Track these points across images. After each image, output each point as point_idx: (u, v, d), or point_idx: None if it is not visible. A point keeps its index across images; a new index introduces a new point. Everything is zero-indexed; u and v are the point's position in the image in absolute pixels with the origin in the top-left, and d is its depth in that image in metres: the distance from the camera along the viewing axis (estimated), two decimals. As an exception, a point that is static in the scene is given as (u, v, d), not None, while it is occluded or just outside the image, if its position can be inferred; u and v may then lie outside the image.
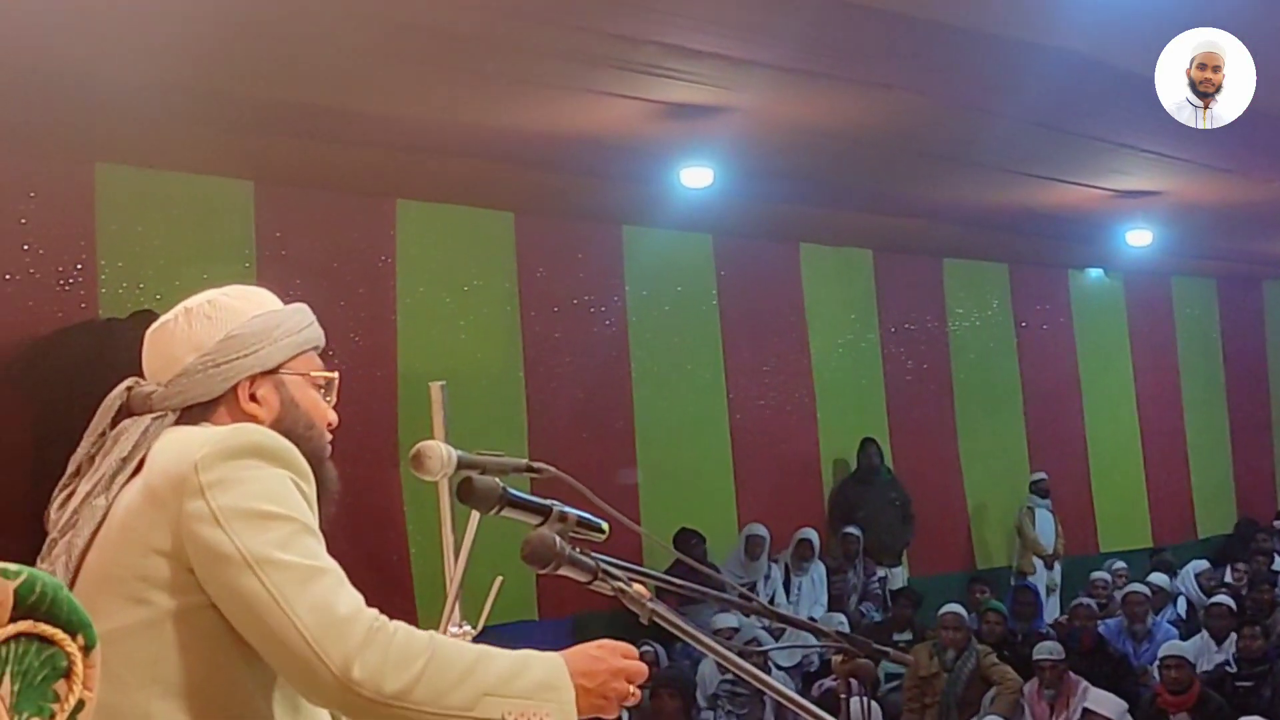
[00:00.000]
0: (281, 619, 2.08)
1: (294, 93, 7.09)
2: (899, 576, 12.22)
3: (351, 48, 6.44)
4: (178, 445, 2.23)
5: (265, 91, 7.03)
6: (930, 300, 13.40)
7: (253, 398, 2.37)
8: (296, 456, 2.24)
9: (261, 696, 2.21)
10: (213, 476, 2.15)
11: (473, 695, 2.14)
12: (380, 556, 8.92)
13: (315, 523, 2.22)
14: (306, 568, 2.13)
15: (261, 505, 2.14)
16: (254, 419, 2.34)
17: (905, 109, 7.94)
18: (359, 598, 2.16)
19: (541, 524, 2.47)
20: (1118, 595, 11.43)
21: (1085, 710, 7.94)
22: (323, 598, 2.11)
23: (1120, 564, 12.83)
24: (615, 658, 2.32)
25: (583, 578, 2.40)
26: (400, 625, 2.15)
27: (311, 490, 2.25)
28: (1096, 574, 12.19)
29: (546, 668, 2.24)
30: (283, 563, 2.11)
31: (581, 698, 2.24)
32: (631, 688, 2.33)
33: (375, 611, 2.16)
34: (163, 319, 2.43)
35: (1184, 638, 10.03)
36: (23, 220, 7.93)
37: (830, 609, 11.12)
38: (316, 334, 2.48)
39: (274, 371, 2.39)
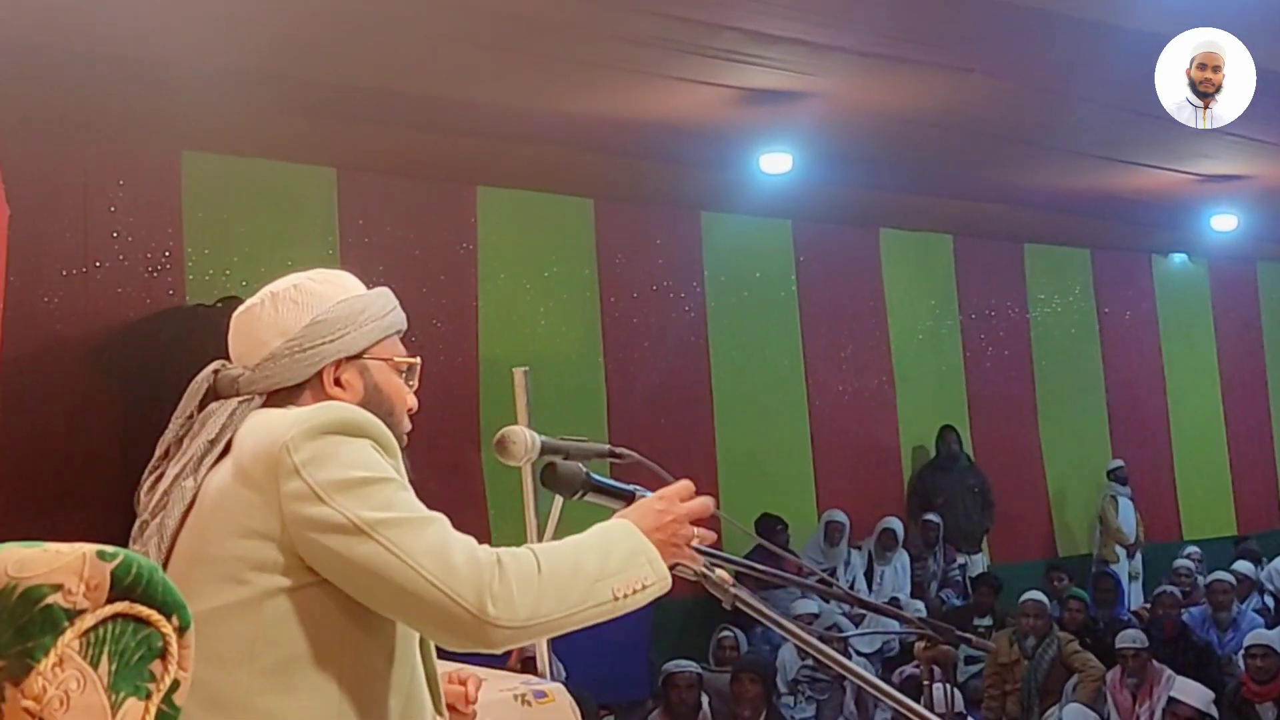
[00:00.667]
0: (409, 573, 2.12)
1: (376, 80, 7.14)
2: (979, 563, 12.10)
3: (433, 34, 6.48)
4: (265, 428, 2.25)
5: (348, 79, 7.09)
6: (1011, 286, 13.27)
7: (337, 382, 2.38)
8: (378, 427, 2.27)
9: (363, 674, 2.24)
10: (305, 455, 2.18)
11: (586, 586, 2.22)
12: (462, 541, 8.95)
13: (407, 481, 2.26)
14: (416, 520, 2.18)
15: (357, 473, 2.18)
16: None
17: (986, 93, 7.88)
18: (470, 538, 2.21)
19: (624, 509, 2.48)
20: (1201, 583, 11.29)
21: (1171, 699, 7.84)
22: (441, 544, 2.16)
23: (1193, 548, 12.66)
24: (676, 505, 2.41)
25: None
26: (506, 552, 2.21)
27: (397, 461, 2.28)
28: (1180, 561, 12.02)
29: (625, 535, 2.32)
30: (393, 520, 2.15)
31: (660, 550, 2.33)
32: (697, 529, 2.43)
33: (486, 546, 2.21)
34: (249, 303, 2.44)
35: (1270, 628, 9.88)
36: (112, 208, 8.06)
37: (911, 596, 11.07)
38: (400, 319, 2.49)
39: (358, 356, 2.40)
